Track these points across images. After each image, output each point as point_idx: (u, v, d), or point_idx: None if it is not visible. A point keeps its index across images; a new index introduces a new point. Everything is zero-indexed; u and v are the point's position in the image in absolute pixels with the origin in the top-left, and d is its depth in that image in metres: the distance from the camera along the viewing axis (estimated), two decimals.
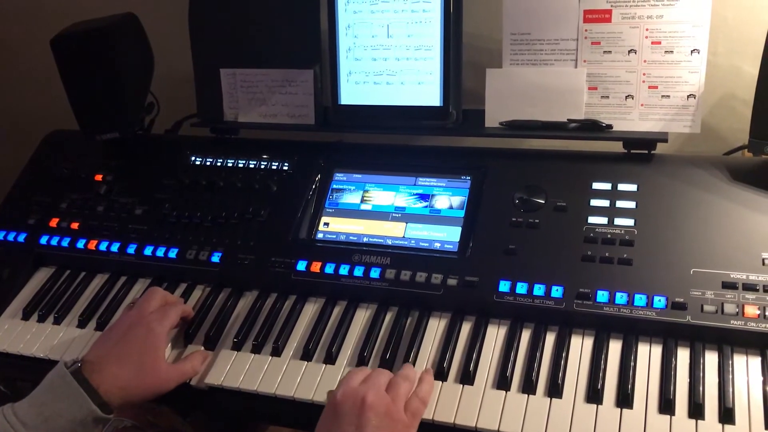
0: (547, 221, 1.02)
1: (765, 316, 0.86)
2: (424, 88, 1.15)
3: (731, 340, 0.88)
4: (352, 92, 1.19)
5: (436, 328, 0.98)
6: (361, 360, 0.96)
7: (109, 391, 0.89)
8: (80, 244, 1.18)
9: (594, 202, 1.02)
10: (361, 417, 0.80)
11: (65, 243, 1.19)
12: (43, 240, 1.20)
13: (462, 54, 1.14)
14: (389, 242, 1.08)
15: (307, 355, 0.98)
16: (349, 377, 0.87)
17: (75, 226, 1.21)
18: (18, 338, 1.09)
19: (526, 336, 0.95)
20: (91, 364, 0.91)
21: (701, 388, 0.84)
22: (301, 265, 1.06)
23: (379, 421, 0.81)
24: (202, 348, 1.03)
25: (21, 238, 1.22)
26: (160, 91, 1.34)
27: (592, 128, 1.10)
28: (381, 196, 1.13)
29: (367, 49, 1.17)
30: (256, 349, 1.00)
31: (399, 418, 0.83)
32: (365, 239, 1.09)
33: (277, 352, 0.99)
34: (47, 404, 0.87)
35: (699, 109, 1.05)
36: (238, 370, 0.98)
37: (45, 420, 0.86)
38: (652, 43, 1.06)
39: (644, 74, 1.07)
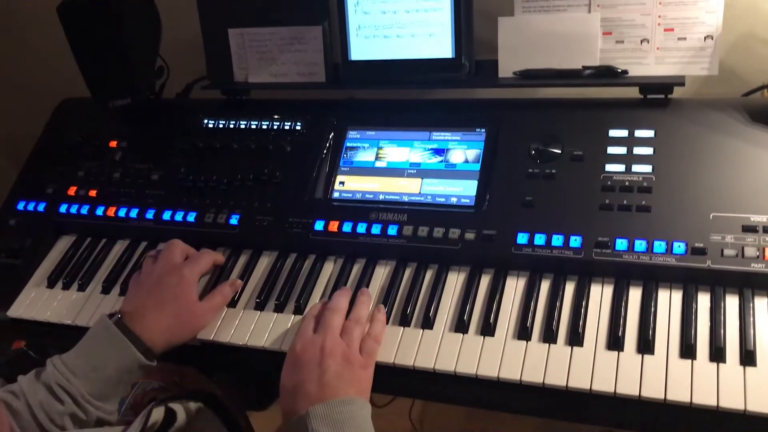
0: (564, 171, 1.01)
1: None
2: (435, 40, 1.14)
3: (752, 284, 0.88)
4: (362, 47, 1.18)
5: (455, 282, 0.99)
6: None
7: (151, 338, 0.94)
8: (99, 212, 1.19)
9: (611, 150, 1.01)
10: (321, 365, 0.86)
11: (84, 211, 1.20)
12: (63, 209, 1.21)
13: (472, 3, 1.12)
14: (405, 199, 1.08)
15: None
16: (304, 327, 0.93)
17: (93, 193, 1.22)
18: (45, 306, 1.11)
19: (545, 287, 0.95)
20: (130, 314, 0.95)
21: (722, 332, 0.84)
22: (319, 225, 1.06)
23: (338, 366, 0.86)
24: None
25: (41, 207, 1.23)
26: (169, 55, 1.33)
27: (608, 74, 1.08)
28: (395, 153, 1.12)
29: (376, 2, 1.15)
30: (279, 309, 1.02)
31: (355, 360, 0.89)
32: (381, 197, 1.09)
33: (299, 310, 1.00)
34: (93, 354, 0.92)
35: (716, 51, 1.03)
36: (262, 330, 1.00)
37: (93, 369, 0.90)
38: None
39: (659, 17, 1.04)
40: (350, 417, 0.82)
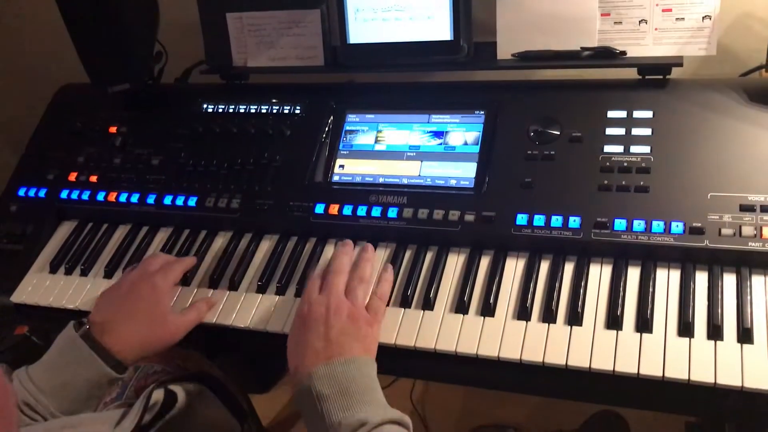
0: (563, 152, 1.01)
1: None
2: (433, 23, 1.13)
3: (749, 262, 0.89)
4: (361, 30, 1.18)
5: (455, 263, 1.00)
6: None
7: (122, 351, 0.91)
8: (100, 197, 1.19)
9: (609, 131, 1.01)
10: (327, 322, 0.87)
11: (85, 196, 1.20)
12: (64, 194, 1.22)
13: None
14: (405, 181, 1.08)
15: None
16: (309, 289, 0.93)
17: (94, 179, 1.22)
18: (48, 291, 1.12)
19: (544, 267, 0.96)
20: (100, 325, 0.92)
21: (720, 310, 0.85)
22: (319, 208, 1.07)
23: (343, 324, 0.87)
24: (210, 292, 1.05)
25: (42, 193, 1.23)
26: (167, 39, 1.33)
27: (606, 55, 1.08)
28: (395, 136, 1.13)
29: None
30: (280, 291, 1.02)
31: (361, 317, 0.90)
32: (381, 179, 1.09)
33: (301, 293, 1.01)
34: (61, 369, 0.89)
35: (714, 31, 1.03)
36: (264, 313, 1.00)
37: (62, 385, 0.88)
38: None
39: None
40: (354, 376, 0.82)
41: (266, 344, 1.01)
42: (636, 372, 0.83)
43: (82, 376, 0.89)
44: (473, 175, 1.05)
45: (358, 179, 1.11)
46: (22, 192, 1.25)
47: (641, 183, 0.95)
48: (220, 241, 1.12)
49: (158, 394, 0.94)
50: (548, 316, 0.90)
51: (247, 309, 1.02)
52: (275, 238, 1.10)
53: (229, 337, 1.03)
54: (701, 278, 0.89)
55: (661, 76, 1.06)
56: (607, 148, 1.00)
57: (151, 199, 1.16)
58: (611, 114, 1.03)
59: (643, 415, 1.53)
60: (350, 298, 0.91)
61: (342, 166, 1.13)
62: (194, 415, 0.98)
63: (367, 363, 0.85)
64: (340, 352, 0.84)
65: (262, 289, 1.03)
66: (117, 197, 1.18)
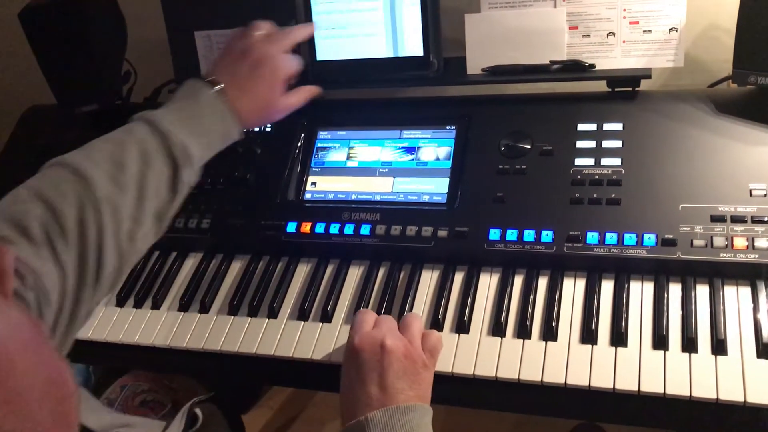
0: (534, 166, 1.01)
1: (754, 246, 0.87)
2: (403, 39, 1.13)
3: (722, 273, 0.89)
4: (330, 47, 1.17)
5: (429, 280, 0.99)
6: None
7: (242, 119, 0.93)
8: None
9: (580, 144, 1.01)
10: (382, 362, 0.82)
11: None
12: None
13: (439, 0, 1.11)
14: (378, 198, 1.07)
15: (303, 315, 0.99)
16: (361, 321, 0.88)
17: None
18: None
19: (518, 282, 0.95)
20: (228, 89, 0.92)
21: (693, 322, 0.85)
22: (291, 227, 1.06)
23: (400, 363, 0.82)
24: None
25: None
26: (135, 59, 1.31)
27: (575, 69, 1.08)
28: (367, 152, 1.12)
29: (342, 1, 1.14)
30: (252, 312, 1.01)
31: (418, 358, 0.84)
32: (354, 196, 1.09)
33: (273, 313, 1.00)
34: (199, 119, 0.89)
35: (681, 42, 1.04)
36: (236, 334, 0.99)
37: (203, 133, 0.89)
38: None
39: (624, 10, 1.05)
40: (412, 426, 0.77)
41: (240, 366, 0.99)
42: (612, 387, 0.82)
43: (218, 129, 0.90)
44: (446, 190, 1.04)
45: (330, 196, 1.10)
46: None
47: (613, 195, 0.95)
48: (190, 263, 1.11)
49: (197, 412, 0.95)
50: (523, 332, 0.90)
51: (219, 332, 1.00)
52: (247, 258, 1.08)
53: (202, 360, 1.01)
54: (675, 290, 0.89)
55: (630, 89, 1.07)
56: (578, 161, 1.00)
57: None
58: (581, 127, 1.03)
59: (623, 429, 1.53)
60: (406, 335, 0.86)
61: (314, 184, 1.12)
62: None
63: (425, 413, 0.80)
64: (395, 399, 0.79)
65: (234, 311, 1.02)
66: None
